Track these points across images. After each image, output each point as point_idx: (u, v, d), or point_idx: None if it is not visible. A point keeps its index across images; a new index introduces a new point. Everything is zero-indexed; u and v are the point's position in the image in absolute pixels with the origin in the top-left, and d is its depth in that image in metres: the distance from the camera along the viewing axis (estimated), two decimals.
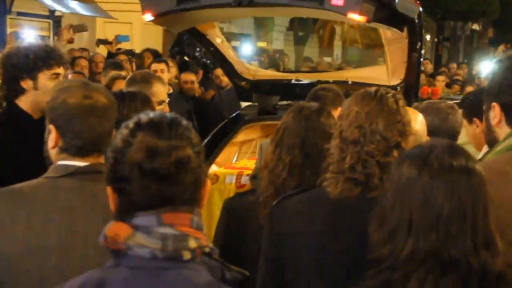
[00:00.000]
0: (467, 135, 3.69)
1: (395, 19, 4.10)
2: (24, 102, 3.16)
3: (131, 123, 1.58)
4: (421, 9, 4.37)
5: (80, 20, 14.00)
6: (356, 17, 3.84)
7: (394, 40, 4.50)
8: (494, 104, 2.24)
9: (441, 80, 10.91)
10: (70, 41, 7.56)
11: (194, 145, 1.58)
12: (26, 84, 3.12)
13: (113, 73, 5.50)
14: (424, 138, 3.09)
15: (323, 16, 4.29)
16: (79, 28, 7.88)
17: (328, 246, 2.12)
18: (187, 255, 1.52)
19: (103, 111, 2.18)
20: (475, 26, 30.57)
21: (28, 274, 1.99)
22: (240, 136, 5.34)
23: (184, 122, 1.62)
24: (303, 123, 2.60)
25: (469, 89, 11.26)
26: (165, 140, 1.53)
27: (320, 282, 2.11)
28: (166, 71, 7.25)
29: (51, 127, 2.18)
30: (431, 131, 3.23)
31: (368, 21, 3.90)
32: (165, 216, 1.52)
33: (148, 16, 4.39)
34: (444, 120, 3.50)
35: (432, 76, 12.65)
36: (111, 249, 1.55)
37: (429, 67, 14.48)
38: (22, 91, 3.13)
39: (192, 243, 1.52)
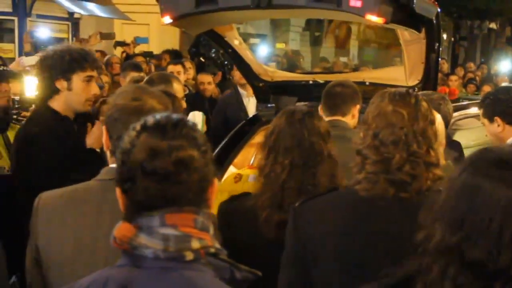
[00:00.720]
0: (488, 133, 3.75)
1: (413, 20, 4.08)
2: (57, 103, 3.29)
3: (138, 125, 1.60)
4: (439, 9, 4.35)
5: (98, 22, 14.14)
6: (374, 18, 3.83)
7: (412, 41, 4.48)
8: None
9: (453, 80, 10.83)
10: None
11: (200, 145, 1.59)
12: (61, 84, 3.25)
13: (133, 74, 5.53)
14: (443, 138, 3.09)
15: (341, 18, 4.29)
16: (107, 36, 8.05)
17: (360, 246, 2.12)
18: (189, 256, 1.52)
19: (150, 113, 2.20)
20: (493, 25, 30.31)
21: (78, 276, 2.05)
22: (258, 137, 5.33)
23: (190, 122, 1.63)
24: (298, 125, 2.62)
25: (486, 88, 11.22)
26: (166, 140, 1.54)
27: (352, 281, 2.07)
28: (182, 73, 7.28)
29: (103, 128, 2.24)
30: None
31: (386, 22, 3.89)
32: (168, 217, 1.53)
33: (167, 19, 4.40)
34: (436, 109, 3.52)
35: (448, 75, 12.60)
36: (121, 249, 1.57)
37: (445, 66, 14.41)
38: (57, 91, 3.26)
39: (195, 244, 1.53)
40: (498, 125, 3.64)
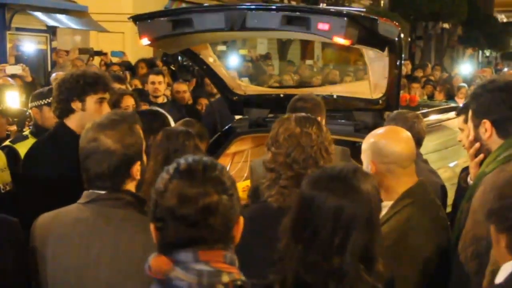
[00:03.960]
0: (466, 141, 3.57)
1: (377, 40, 4.15)
2: (72, 121, 3.45)
3: (171, 168, 1.69)
4: (399, 29, 4.42)
5: (74, 32, 13.98)
6: (341, 41, 3.88)
7: (375, 58, 4.54)
8: (485, 120, 2.51)
9: (415, 87, 10.98)
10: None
11: (227, 189, 1.66)
12: (76, 105, 3.41)
13: (115, 85, 5.48)
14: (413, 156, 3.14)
15: (310, 38, 4.32)
16: (85, 51, 8.16)
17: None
18: None
19: (104, 154, 2.32)
20: (446, 25, 30.74)
21: None
22: (233, 148, 5.38)
23: (220, 166, 1.71)
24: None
25: (441, 89, 11.39)
26: (195, 187, 1.62)
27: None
28: (163, 83, 7.29)
29: None
30: None
31: (352, 44, 3.95)
32: (201, 254, 1.63)
33: (145, 41, 4.40)
34: (410, 128, 3.58)
35: (410, 77, 12.74)
36: (154, 278, 1.66)
37: (408, 67, 14.57)
38: (72, 111, 3.43)
39: (225, 278, 1.63)
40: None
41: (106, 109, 3.45)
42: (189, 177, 1.65)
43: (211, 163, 1.71)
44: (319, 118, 3.74)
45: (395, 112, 4.18)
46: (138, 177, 2.37)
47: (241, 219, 1.72)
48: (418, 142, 3.79)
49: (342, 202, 1.82)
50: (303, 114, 2.66)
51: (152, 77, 7.25)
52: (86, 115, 3.42)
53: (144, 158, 2.47)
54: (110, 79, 3.65)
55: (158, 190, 1.67)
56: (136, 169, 2.35)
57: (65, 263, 2.23)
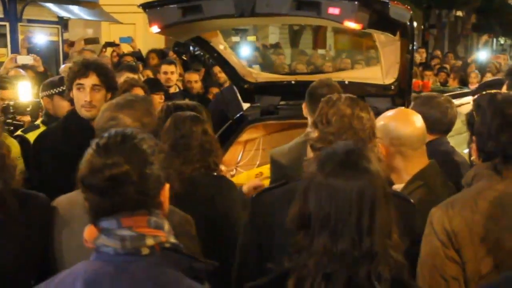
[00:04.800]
0: None
1: (388, 24, 4.10)
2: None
3: (94, 142, 1.78)
4: (411, 12, 4.37)
5: (86, 24, 14.00)
6: (352, 25, 3.84)
7: (387, 43, 4.50)
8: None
9: (429, 74, 10.90)
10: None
11: (144, 159, 1.74)
12: (72, 94, 3.55)
13: (128, 75, 5.48)
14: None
15: (320, 23, 4.29)
16: (91, 41, 8.07)
17: None
18: (145, 251, 1.72)
19: None
20: (459, 13, 30.43)
21: None
22: (244, 136, 5.36)
23: (142, 135, 1.79)
24: None
25: (454, 76, 11.29)
26: (104, 159, 1.71)
27: None
28: (175, 73, 7.29)
29: None
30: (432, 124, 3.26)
31: (363, 28, 3.91)
32: (124, 220, 1.73)
33: (155, 28, 4.38)
34: (443, 114, 3.51)
35: (424, 64, 12.63)
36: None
37: (423, 56, 14.44)
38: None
39: (150, 241, 1.72)
40: None
41: (86, 96, 3.51)
42: (102, 149, 1.74)
43: (131, 134, 1.79)
44: None
45: (424, 94, 3.94)
46: None
47: (167, 186, 1.81)
48: (449, 129, 3.61)
49: (361, 184, 1.80)
50: (351, 95, 2.59)
51: (164, 67, 7.25)
52: (75, 103, 3.58)
53: None
54: (100, 67, 3.64)
55: (81, 162, 1.76)
56: None
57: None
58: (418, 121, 2.71)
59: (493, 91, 2.61)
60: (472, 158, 2.49)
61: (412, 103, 3.61)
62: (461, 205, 2.26)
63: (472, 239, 2.21)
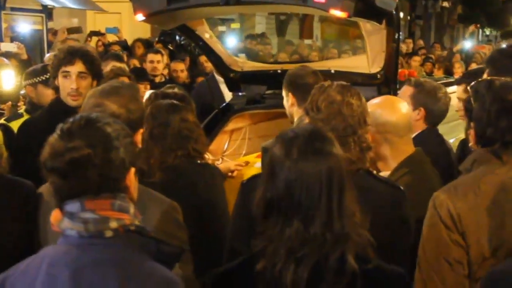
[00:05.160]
0: None
1: (374, 12, 4.10)
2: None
3: (59, 126, 1.79)
4: (397, 1, 4.37)
5: (71, 12, 13.88)
6: (337, 13, 3.84)
7: (373, 31, 4.50)
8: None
9: (417, 60, 10.92)
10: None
11: (109, 142, 1.75)
12: (57, 81, 3.56)
13: (114, 63, 5.42)
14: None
15: (306, 12, 4.27)
16: (74, 30, 8.01)
17: None
18: (109, 233, 1.73)
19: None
20: (445, 4, 30.51)
21: None
22: (230, 125, 5.35)
23: (107, 120, 1.80)
24: None
25: (439, 66, 11.33)
26: (65, 142, 1.73)
27: None
28: (162, 62, 7.25)
29: None
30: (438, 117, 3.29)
31: (349, 16, 3.90)
32: (87, 203, 1.74)
33: (140, 16, 4.35)
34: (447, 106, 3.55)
35: (410, 54, 12.66)
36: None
37: (410, 46, 14.49)
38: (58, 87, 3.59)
39: (113, 224, 1.74)
40: None
41: (72, 83, 3.50)
42: (65, 133, 1.75)
43: (95, 118, 1.80)
44: None
45: (426, 84, 3.71)
46: (139, 145, 2.36)
47: (132, 170, 1.81)
48: (440, 119, 3.56)
49: (329, 166, 1.82)
50: (343, 82, 2.62)
51: (150, 56, 7.22)
52: (61, 91, 3.57)
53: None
54: (86, 54, 3.62)
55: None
56: (138, 137, 2.35)
57: None
58: (404, 108, 2.71)
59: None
60: (470, 144, 2.50)
61: (410, 89, 3.55)
62: (464, 189, 2.27)
63: (476, 223, 2.23)
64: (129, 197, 1.82)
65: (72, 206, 1.74)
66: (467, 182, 2.31)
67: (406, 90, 3.49)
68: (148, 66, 7.20)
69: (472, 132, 2.37)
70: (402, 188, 2.50)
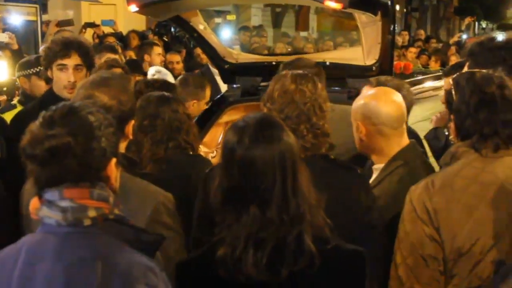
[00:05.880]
0: None
1: (369, 4, 4.08)
2: (54, 88, 3.57)
3: (41, 114, 1.78)
4: None
5: (65, 3, 13.81)
6: (332, 4, 3.81)
7: (368, 23, 4.47)
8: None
9: (413, 51, 10.90)
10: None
11: (90, 132, 1.75)
12: (50, 73, 3.57)
13: (108, 55, 5.39)
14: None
15: (301, 2, 4.25)
16: (65, 23, 7.95)
17: None
18: (87, 222, 1.73)
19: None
20: None
21: None
22: (225, 117, 5.31)
23: (90, 109, 1.79)
24: None
25: (436, 59, 11.30)
26: (45, 130, 1.72)
27: None
28: (181, 62, 7.30)
29: None
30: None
31: (344, 8, 3.88)
32: (66, 191, 1.73)
33: (133, 7, 4.31)
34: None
35: (406, 47, 12.63)
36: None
37: (406, 38, 14.45)
38: (51, 79, 3.59)
39: (92, 213, 1.74)
40: None
41: (69, 76, 3.49)
42: (47, 120, 1.74)
43: (78, 106, 1.79)
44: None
45: (375, 80, 3.68)
46: (130, 136, 2.35)
47: (113, 160, 1.81)
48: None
49: (280, 149, 1.89)
50: (300, 71, 2.66)
51: (169, 57, 7.52)
52: (55, 84, 3.55)
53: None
54: (82, 46, 3.60)
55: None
56: (130, 128, 2.33)
57: None
58: (398, 100, 2.70)
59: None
60: (450, 137, 2.49)
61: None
62: (441, 183, 2.26)
63: (452, 218, 2.21)
64: (110, 187, 1.82)
65: (51, 195, 1.74)
66: (444, 176, 2.29)
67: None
68: (167, 66, 7.27)
69: (452, 124, 2.36)
70: (359, 171, 2.55)
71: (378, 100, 2.67)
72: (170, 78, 4.68)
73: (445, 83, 3.84)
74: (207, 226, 2.45)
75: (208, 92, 4.74)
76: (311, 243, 1.87)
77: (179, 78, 4.53)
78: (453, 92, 2.32)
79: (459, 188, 2.22)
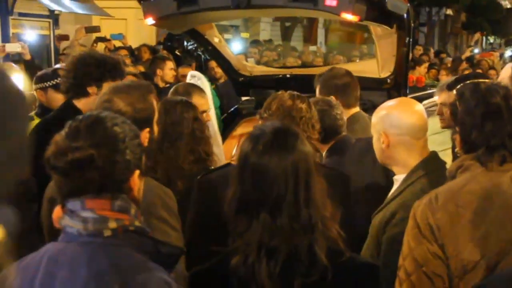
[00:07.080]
0: None
1: (385, 16, 4.10)
2: (83, 103, 3.43)
3: (67, 124, 1.80)
4: (408, 5, 4.36)
5: (77, 18, 13.90)
6: (349, 17, 3.83)
7: (384, 36, 4.49)
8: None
9: (423, 67, 10.94)
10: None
11: (115, 144, 1.75)
12: (92, 89, 3.40)
13: None
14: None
15: (317, 16, 4.26)
16: (92, 29, 8.00)
17: None
18: (107, 233, 1.74)
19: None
20: (449, 11, 30.54)
21: None
22: (239, 129, 5.34)
23: (115, 120, 1.79)
24: None
25: (447, 72, 11.31)
26: (69, 142, 1.73)
27: None
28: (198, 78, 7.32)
29: None
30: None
31: (360, 20, 3.91)
32: (88, 202, 1.75)
33: (150, 20, 4.35)
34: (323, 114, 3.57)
35: (415, 60, 12.64)
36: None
37: (419, 52, 14.46)
38: (86, 94, 3.41)
39: (112, 224, 1.75)
40: None
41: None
42: (72, 131, 1.76)
43: (104, 117, 1.79)
44: (358, 93, 3.88)
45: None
46: (145, 144, 2.35)
47: (137, 172, 1.81)
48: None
49: (294, 158, 1.88)
50: (296, 92, 2.91)
51: (182, 70, 7.33)
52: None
53: (155, 128, 2.47)
54: (124, 65, 3.64)
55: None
56: (144, 135, 2.35)
57: None
58: (420, 110, 2.68)
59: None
60: (456, 150, 2.45)
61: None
62: (444, 198, 2.20)
63: (456, 234, 2.15)
64: (132, 198, 1.82)
65: (73, 204, 1.76)
66: (448, 191, 2.23)
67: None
68: (180, 79, 7.27)
69: (457, 137, 2.31)
70: (344, 172, 2.77)
71: (401, 110, 2.65)
72: (205, 82, 4.63)
73: (449, 96, 3.81)
74: (202, 233, 2.49)
75: (199, 100, 4.32)
76: (323, 255, 1.85)
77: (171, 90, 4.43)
78: (458, 104, 2.29)
79: (463, 204, 2.16)
